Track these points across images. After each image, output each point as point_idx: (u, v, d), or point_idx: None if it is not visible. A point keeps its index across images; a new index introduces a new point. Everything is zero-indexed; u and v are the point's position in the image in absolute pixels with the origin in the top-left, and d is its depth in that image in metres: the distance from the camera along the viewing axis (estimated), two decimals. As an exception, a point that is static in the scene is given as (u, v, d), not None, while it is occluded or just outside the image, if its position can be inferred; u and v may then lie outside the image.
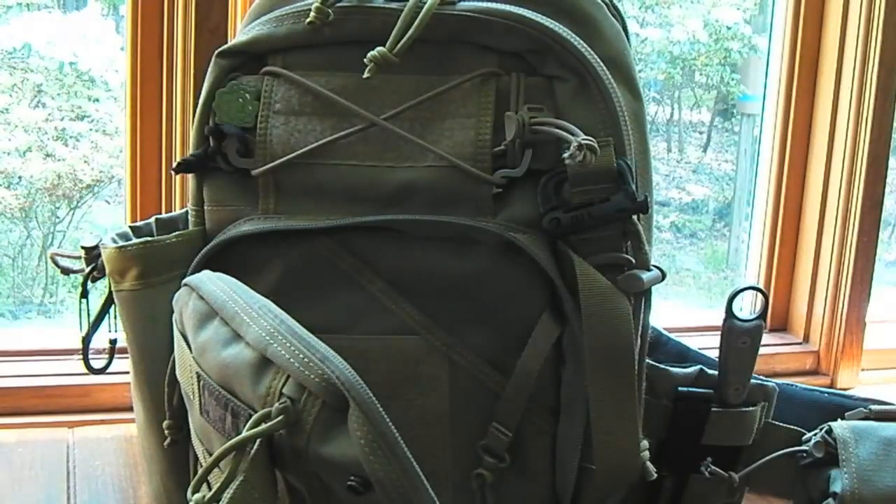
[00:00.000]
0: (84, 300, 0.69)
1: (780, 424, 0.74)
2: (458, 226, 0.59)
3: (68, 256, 0.70)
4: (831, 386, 1.19)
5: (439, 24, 0.59)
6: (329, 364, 0.49)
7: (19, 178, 1.33)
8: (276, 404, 0.49)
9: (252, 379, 0.51)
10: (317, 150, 0.61)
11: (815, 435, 0.75)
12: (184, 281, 0.60)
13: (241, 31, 0.65)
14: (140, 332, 0.65)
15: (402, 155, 0.61)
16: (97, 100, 1.35)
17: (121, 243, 0.64)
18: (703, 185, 1.85)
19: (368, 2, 0.61)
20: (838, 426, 0.75)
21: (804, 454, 0.75)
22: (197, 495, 0.48)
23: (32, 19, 1.28)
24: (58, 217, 1.39)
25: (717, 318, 1.27)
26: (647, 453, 0.62)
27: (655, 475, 0.62)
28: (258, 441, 0.48)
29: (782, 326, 1.25)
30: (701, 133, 1.89)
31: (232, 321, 0.54)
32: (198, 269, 0.61)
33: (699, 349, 1.15)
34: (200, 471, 0.51)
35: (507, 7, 0.60)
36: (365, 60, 0.58)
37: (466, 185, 0.60)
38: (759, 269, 1.24)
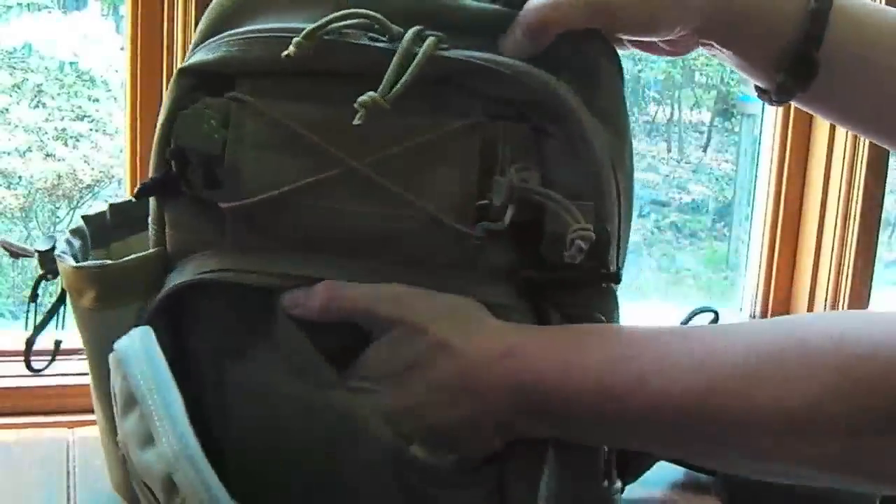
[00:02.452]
0: (33, 304, 0.67)
1: None
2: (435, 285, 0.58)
3: (19, 249, 0.68)
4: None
5: (429, 65, 0.56)
6: None
7: (19, 178, 1.33)
8: None
9: (164, 496, 0.51)
10: (292, 191, 0.57)
11: None
12: (115, 347, 0.57)
13: (202, 45, 0.60)
14: (98, 348, 0.63)
15: (380, 202, 0.57)
16: (97, 100, 1.35)
17: (77, 263, 0.61)
18: (703, 186, 1.86)
19: (354, 39, 0.57)
20: None
21: None
22: None
23: (33, 19, 1.28)
24: (58, 217, 1.39)
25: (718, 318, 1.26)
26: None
27: None
28: None
29: (782, 326, 1.25)
30: (701, 133, 1.89)
31: (149, 422, 0.52)
32: (154, 312, 0.59)
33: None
34: None
35: (501, 57, 0.57)
36: (356, 105, 0.54)
37: (447, 238, 0.57)
38: (759, 270, 1.24)
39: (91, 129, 1.36)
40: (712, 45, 0.63)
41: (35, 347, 0.96)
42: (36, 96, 1.33)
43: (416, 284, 0.57)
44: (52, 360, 0.70)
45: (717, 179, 1.84)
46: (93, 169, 1.37)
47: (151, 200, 0.62)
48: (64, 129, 1.35)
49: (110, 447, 0.68)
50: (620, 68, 0.61)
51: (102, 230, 0.71)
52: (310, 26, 0.55)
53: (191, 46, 0.61)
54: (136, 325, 0.58)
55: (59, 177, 1.35)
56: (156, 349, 0.55)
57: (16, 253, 0.67)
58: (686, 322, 0.74)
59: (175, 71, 0.60)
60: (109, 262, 0.62)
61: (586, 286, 0.59)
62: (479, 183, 0.57)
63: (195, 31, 0.91)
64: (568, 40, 0.57)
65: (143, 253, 0.61)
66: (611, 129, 0.59)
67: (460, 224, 0.57)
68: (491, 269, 0.58)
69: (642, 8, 0.57)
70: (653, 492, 0.82)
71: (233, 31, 0.58)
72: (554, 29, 0.56)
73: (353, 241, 0.58)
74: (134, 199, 0.61)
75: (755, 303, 1.25)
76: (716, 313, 0.76)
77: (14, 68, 1.29)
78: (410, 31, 0.56)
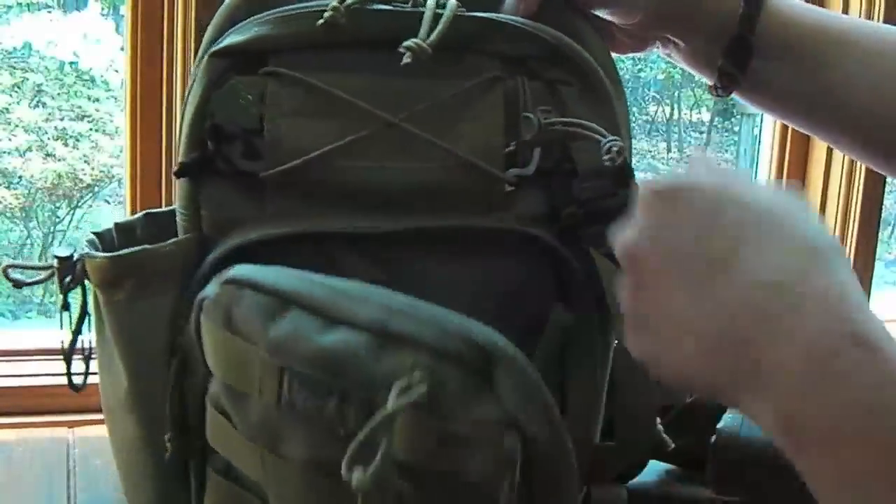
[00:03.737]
0: (66, 312, 0.65)
1: None
2: (482, 228, 0.60)
3: (26, 268, 0.66)
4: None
5: (451, 27, 0.60)
6: (465, 327, 0.50)
7: (20, 177, 1.33)
8: (416, 373, 0.48)
9: (370, 358, 0.51)
10: (330, 152, 0.60)
11: None
12: (225, 278, 0.57)
13: (230, 31, 0.62)
14: (134, 345, 0.62)
15: (415, 156, 0.61)
16: (97, 100, 1.36)
17: (112, 253, 0.61)
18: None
19: (377, 4, 0.61)
20: None
21: (705, 402, 0.78)
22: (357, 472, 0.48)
23: (33, 19, 1.28)
24: (58, 217, 1.39)
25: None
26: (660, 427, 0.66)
27: (672, 446, 0.65)
28: (401, 413, 0.48)
29: (782, 326, 1.25)
30: (701, 133, 1.89)
31: (322, 309, 0.53)
32: (206, 275, 0.59)
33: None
34: (354, 444, 0.48)
35: (513, 17, 0.63)
36: (401, 49, 0.58)
37: (480, 184, 0.61)
38: (759, 269, 1.24)
39: (91, 129, 1.36)
40: (666, 40, 0.69)
41: (44, 346, 0.97)
42: (36, 96, 1.33)
43: (455, 230, 0.60)
44: (87, 374, 0.67)
45: (716, 179, 1.83)
46: (93, 169, 1.37)
47: (181, 186, 0.61)
48: (64, 129, 1.35)
49: (144, 465, 0.64)
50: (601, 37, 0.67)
51: (130, 237, 0.70)
52: None
53: (210, 33, 0.63)
54: (184, 300, 0.59)
55: (60, 176, 1.36)
56: (272, 267, 0.57)
57: (18, 282, 0.64)
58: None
59: (206, 57, 0.61)
60: (148, 246, 0.61)
61: (621, 214, 0.60)
62: (506, 132, 0.61)
63: (195, 31, 0.91)
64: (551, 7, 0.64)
65: (180, 238, 0.61)
66: (610, 82, 0.64)
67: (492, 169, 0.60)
68: (525, 215, 0.61)
69: None
70: (646, 481, 0.83)
71: (261, 14, 0.61)
72: (531, 9, 0.63)
73: (392, 196, 0.60)
74: (175, 176, 0.60)
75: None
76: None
77: (14, 68, 1.29)
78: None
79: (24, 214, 1.36)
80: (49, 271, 0.63)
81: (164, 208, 0.65)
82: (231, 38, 0.61)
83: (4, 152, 1.30)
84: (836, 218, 1.18)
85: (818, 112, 0.70)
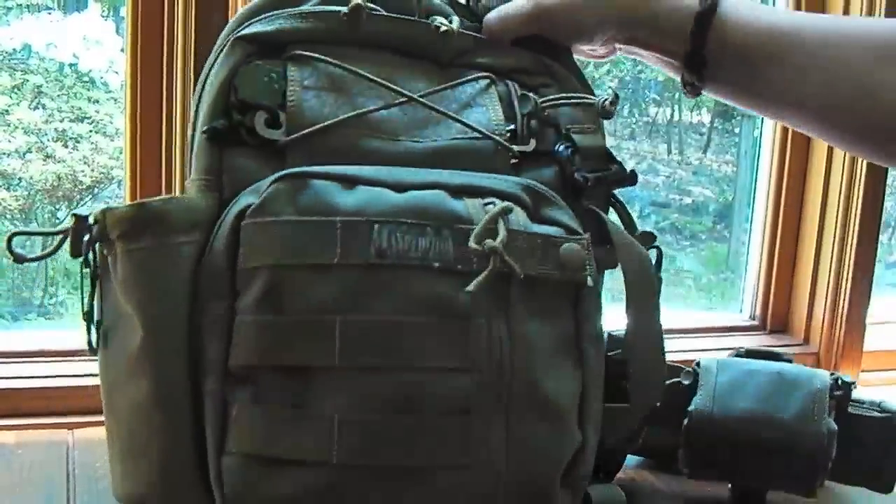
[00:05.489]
0: (88, 269, 0.64)
1: (672, 363, 0.78)
2: (494, 190, 0.65)
3: (35, 234, 0.71)
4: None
5: (444, 42, 0.70)
6: (511, 178, 0.67)
7: (19, 179, 1.33)
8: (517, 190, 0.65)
9: (450, 202, 0.62)
10: (348, 122, 0.65)
11: (686, 369, 0.82)
12: (275, 178, 0.62)
13: (255, 20, 0.67)
14: (153, 298, 0.62)
15: (428, 133, 0.67)
16: (97, 101, 1.35)
17: (137, 202, 0.63)
18: (704, 187, 1.85)
19: (391, 12, 0.69)
20: (706, 358, 0.83)
21: (675, 383, 0.81)
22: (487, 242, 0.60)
23: (33, 20, 1.28)
24: (58, 219, 1.39)
25: (717, 319, 1.27)
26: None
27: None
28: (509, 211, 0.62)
29: (782, 327, 1.25)
30: (701, 134, 1.89)
31: (386, 182, 0.62)
32: (230, 233, 0.62)
33: (699, 350, 1.15)
34: (482, 223, 0.61)
35: None
36: (436, 23, 0.69)
37: (488, 157, 0.68)
38: (760, 271, 1.24)
39: (91, 131, 1.36)
40: (635, 48, 0.76)
41: (44, 348, 0.96)
42: (36, 98, 1.32)
43: (472, 189, 0.65)
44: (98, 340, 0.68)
45: (717, 181, 1.84)
46: (93, 170, 1.37)
47: (204, 152, 0.64)
48: (64, 131, 1.35)
49: (154, 425, 0.63)
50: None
51: None
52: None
53: (233, 23, 0.68)
54: (212, 247, 0.62)
55: (59, 178, 1.35)
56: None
57: (20, 257, 0.63)
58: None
59: (230, 40, 0.66)
60: (173, 196, 0.66)
61: (618, 184, 0.71)
62: (506, 120, 0.69)
63: (195, 32, 0.91)
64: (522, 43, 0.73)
65: (205, 194, 0.64)
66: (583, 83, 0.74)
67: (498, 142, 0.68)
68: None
69: (569, 16, 0.73)
70: (624, 473, 0.84)
71: (287, 9, 0.67)
72: (507, 36, 0.73)
73: (407, 163, 0.65)
74: (205, 137, 0.64)
75: (755, 304, 1.26)
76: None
77: (14, 69, 1.29)
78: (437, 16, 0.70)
79: (23, 216, 1.35)
80: (60, 236, 0.64)
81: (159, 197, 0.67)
82: (256, 28, 0.67)
83: (4, 154, 1.30)
84: (836, 219, 1.18)
85: (776, 105, 0.75)
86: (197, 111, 0.66)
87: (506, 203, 0.63)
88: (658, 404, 0.71)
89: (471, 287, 0.59)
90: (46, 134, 1.33)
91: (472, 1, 0.74)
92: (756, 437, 0.77)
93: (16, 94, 1.30)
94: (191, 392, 0.62)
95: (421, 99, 0.67)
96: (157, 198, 0.64)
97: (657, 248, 0.72)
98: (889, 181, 1.18)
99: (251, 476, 0.60)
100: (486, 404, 0.61)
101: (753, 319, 1.26)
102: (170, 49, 0.91)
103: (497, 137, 0.68)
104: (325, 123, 0.64)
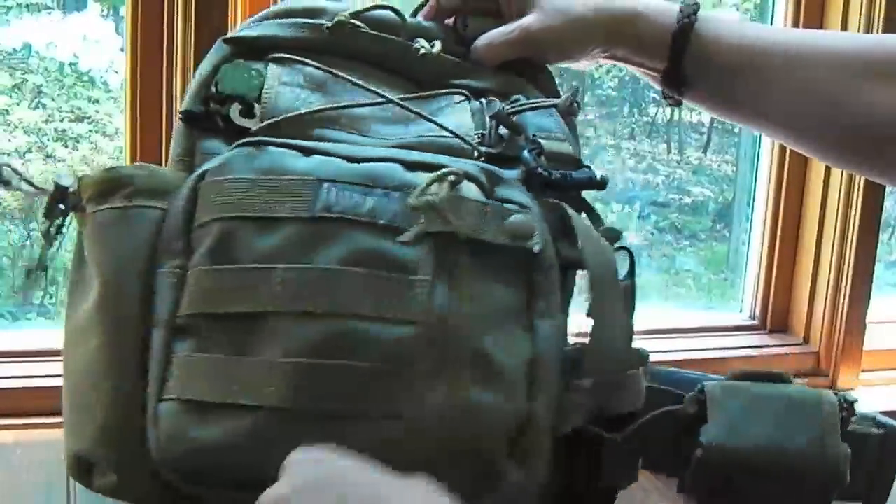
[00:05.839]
0: (49, 238, 0.68)
1: (663, 388, 0.78)
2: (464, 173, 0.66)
3: (23, 178, 0.70)
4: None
5: (422, 64, 0.73)
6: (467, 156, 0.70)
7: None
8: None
9: (403, 173, 0.64)
10: (318, 116, 0.68)
11: (690, 395, 0.80)
12: (237, 144, 0.65)
13: (242, 28, 0.72)
14: (111, 257, 0.64)
15: (396, 130, 0.70)
16: (97, 101, 1.35)
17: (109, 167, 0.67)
18: (703, 187, 1.85)
19: (374, 30, 0.72)
20: (710, 384, 0.80)
21: (680, 412, 0.79)
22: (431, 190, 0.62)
23: (32, 20, 1.28)
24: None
25: (717, 319, 1.28)
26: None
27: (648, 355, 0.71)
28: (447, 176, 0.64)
29: (782, 327, 1.25)
30: (701, 134, 1.88)
31: (343, 153, 0.66)
32: (190, 191, 0.65)
33: (699, 350, 1.15)
34: (425, 182, 0.63)
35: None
36: (416, 45, 0.73)
37: (456, 155, 0.69)
38: (759, 271, 1.24)
39: (91, 130, 1.36)
40: (618, 63, 0.80)
41: (43, 347, 0.96)
42: (36, 97, 1.32)
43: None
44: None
45: (717, 180, 1.83)
46: (92, 170, 1.37)
47: (180, 135, 0.69)
48: (64, 131, 1.34)
49: (98, 379, 0.64)
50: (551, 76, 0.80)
51: None
52: (342, 14, 0.72)
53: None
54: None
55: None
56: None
57: (6, 182, 0.67)
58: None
59: (218, 40, 0.71)
60: (144, 164, 0.69)
61: (583, 186, 0.72)
62: (475, 125, 0.72)
63: (195, 32, 0.92)
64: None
65: (174, 168, 0.68)
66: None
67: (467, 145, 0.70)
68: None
69: (555, 40, 0.76)
70: None
71: (274, 19, 0.72)
72: (494, 61, 0.76)
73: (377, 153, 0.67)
74: (180, 119, 0.69)
75: (755, 304, 1.26)
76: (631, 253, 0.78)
77: (14, 69, 1.29)
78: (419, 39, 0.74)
79: (23, 215, 1.35)
80: (42, 193, 0.67)
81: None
82: (244, 31, 0.71)
83: (4, 153, 1.30)
84: (836, 219, 1.18)
85: (749, 117, 0.80)
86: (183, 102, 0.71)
87: (454, 168, 0.64)
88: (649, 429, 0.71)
89: (405, 237, 0.61)
90: (46, 133, 1.33)
91: (459, 25, 0.77)
92: (773, 466, 0.76)
93: (16, 93, 1.30)
94: (140, 349, 0.63)
95: (391, 98, 0.70)
96: (126, 165, 0.69)
97: (629, 251, 0.71)
98: (889, 181, 1.18)
99: (184, 420, 0.61)
100: (424, 358, 0.61)
101: (753, 319, 1.26)
102: (169, 48, 0.91)
103: (464, 136, 0.70)
104: (297, 112, 0.67)
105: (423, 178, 0.63)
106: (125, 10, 0.92)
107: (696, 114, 1.87)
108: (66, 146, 1.34)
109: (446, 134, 0.70)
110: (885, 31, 1.11)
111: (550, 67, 0.80)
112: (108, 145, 1.37)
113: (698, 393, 0.79)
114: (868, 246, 1.17)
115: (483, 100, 0.74)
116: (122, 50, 0.94)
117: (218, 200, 0.63)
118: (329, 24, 0.71)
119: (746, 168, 1.52)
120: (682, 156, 1.86)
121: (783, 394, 0.79)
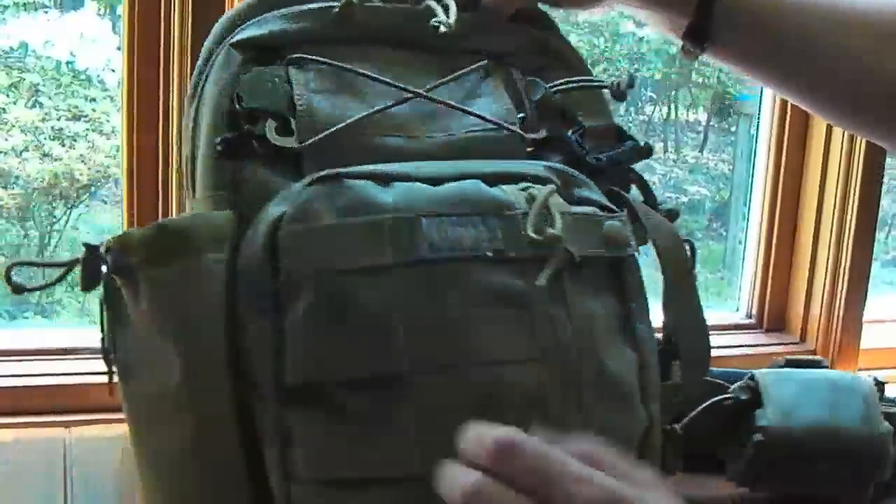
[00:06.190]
0: (104, 309, 0.59)
1: (707, 379, 0.77)
2: (520, 174, 0.63)
3: (37, 265, 0.63)
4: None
5: (456, 23, 0.66)
6: (535, 164, 0.65)
7: (16, 177, 1.33)
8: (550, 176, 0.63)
9: (488, 190, 0.60)
10: (362, 123, 0.62)
11: (739, 383, 0.83)
12: (306, 183, 0.57)
13: (247, 23, 0.65)
14: (188, 327, 0.56)
15: (441, 126, 0.65)
16: (94, 99, 1.35)
17: (157, 223, 0.59)
18: (700, 185, 1.85)
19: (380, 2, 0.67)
20: (759, 372, 0.84)
21: (731, 399, 0.82)
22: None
23: (29, 19, 1.28)
24: (55, 217, 1.39)
25: (714, 318, 1.27)
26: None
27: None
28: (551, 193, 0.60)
29: (779, 326, 1.25)
30: (697, 133, 1.89)
31: (420, 177, 0.59)
32: (268, 237, 0.57)
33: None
34: (535, 209, 0.59)
35: None
36: (433, 23, 0.65)
37: (503, 147, 0.66)
38: (756, 269, 1.24)
39: (88, 129, 1.36)
40: (634, 10, 0.76)
41: (41, 346, 0.96)
42: (32, 96, 1.32)
43: (496, 176, 0.62)
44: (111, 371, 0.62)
45: (713, 179, 1.83)
46: (89, 169, 1.37)
47: (214, 168, 0.61)
48: (60, 129, 1.34)
49: (190, 469, 0.58)
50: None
51: None
52: None
53: (223, 25, 0.65)
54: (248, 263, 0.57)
55: (56, 176, 1.35)
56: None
57: (20, 287, 0.58)
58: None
59: (225, 48, 0.64)
60: (195, 214, 0.60)
61: (634, 159, 0.71)
62: (515, 107, 0.68)
63: (192, 30, 0.91)
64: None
65: (222, 212, 0.59)
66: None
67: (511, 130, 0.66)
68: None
69: None
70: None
71: (278, 11, 0.65)
72: (507, 10, 0.71)
73: (428, 156, 0.63)
74: (219, 151, 0.60)
75: (752, 302, 1.26)
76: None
77: (10, 68, 1.29)
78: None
79: (20, 214, 1.35)
80: (64, 268, 0.59)
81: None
82: (248, 32, 0.64)
83: (1, 152, 1.30)
84: (833, 217, 1.18)
85: (777, 78, 0.77)
86: (195, 124, 0.63)
87: (549, 186, 0.61)
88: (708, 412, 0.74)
89: (541, 280, 0.57)
90: (43, 132, 1.33)
91: None
92: (828, 445, 0.80)
93: (12, 92, 1.29)
94: (238, 424, 0.56)
95: (429, 94, 0.64)
96: (175, 217, 0.61)
97: (689, 242, 0.71)
98: (885, 178, 1.18)
99: (329, 502, 0.56)
100: (559, 392, 0.57)
101: (750, 318, 1.26)
102: (166, 47, 0.91)
103: (512, 127, 0.66)
104: (343, 124, 0.61)
105: (508, 192, 0.60)
106: (122, 9, 0.92)
107: (693, 112, 1.88)
108: (63, 145, 1.33)
109: (491, 127, 0.65)
110: None
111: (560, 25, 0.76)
112: (105, 144, 1.37)
113: (749, 380, 0.83)
114: (865, 244, 1.18)
115: (510, 69, 0.70)
116: (118, 48, 0.94)
117: (307, 252, 0.56)
118: (337, 6, 0.65)
119: (743, 167, 1.52)
120: (679, 155, 1.86)
121: (827, 377, 0.84)
